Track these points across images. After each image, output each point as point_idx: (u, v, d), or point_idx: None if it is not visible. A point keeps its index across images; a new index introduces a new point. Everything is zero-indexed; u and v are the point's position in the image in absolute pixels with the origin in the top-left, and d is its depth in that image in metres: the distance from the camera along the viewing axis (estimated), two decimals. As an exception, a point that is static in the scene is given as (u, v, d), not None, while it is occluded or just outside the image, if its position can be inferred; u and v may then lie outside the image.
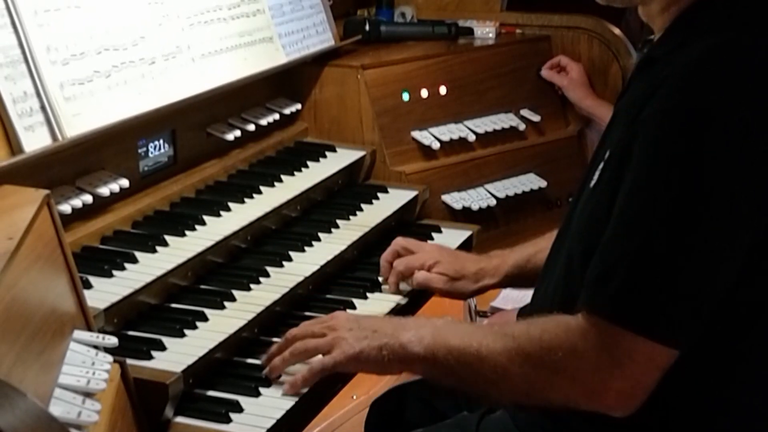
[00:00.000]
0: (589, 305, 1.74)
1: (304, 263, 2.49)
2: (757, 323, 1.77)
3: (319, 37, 3.21)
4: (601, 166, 1.83)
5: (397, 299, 2.47)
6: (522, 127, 3.44)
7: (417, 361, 1.92)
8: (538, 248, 2.37)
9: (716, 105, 1.67)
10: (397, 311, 2.44)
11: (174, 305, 2.25)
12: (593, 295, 1.74)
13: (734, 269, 1.70)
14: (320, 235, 2.64)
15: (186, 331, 2.12)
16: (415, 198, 2.99)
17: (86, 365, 1.73)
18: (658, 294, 1.69)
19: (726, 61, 1.69)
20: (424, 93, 3.27)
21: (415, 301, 2.52)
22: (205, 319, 2.18)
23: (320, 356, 2.02)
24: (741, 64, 1.69)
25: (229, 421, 1.95)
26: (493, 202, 3.22)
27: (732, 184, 1.67)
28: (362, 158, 3.07)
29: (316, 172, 2.92)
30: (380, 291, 2.49)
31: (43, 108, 2.19)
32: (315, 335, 2.04)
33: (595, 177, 1.84)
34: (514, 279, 2.43)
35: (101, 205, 2.37)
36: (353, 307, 2.39)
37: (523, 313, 2.15)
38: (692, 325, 1.71)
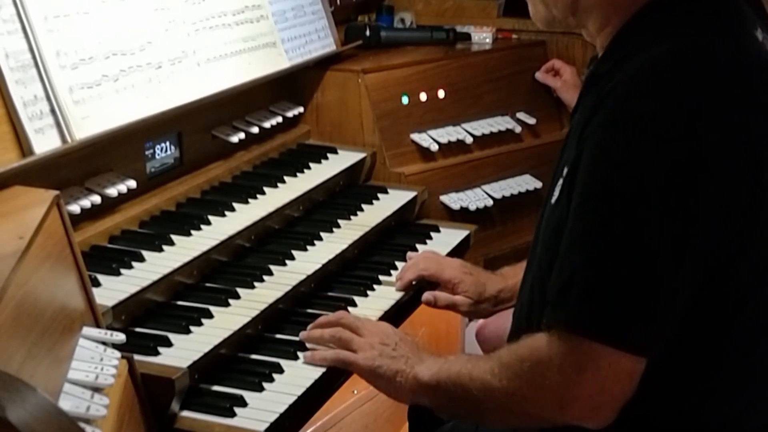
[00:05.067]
0: (551, 318, 1.77)
1: (307, 262, 2.51)
2: (732, 328, 1.77)
3: (321, 42, 3.23)
4: (560, 182, 1.86)
5: (398, 296, 2.50)
6: (518, 129, 3.46)
7: (423, 390, 1.98)
8: None
9: (654, 112, 1.69)
10: (398, 308, 2.48)
11: (180, 303, 2.27)
12: (554, 308, 1.76)
13: (694, 272, 1.70)
14: (322, 234, 2.66)
15: (192, 328, 2.14)
16: (414, 198, 3.02)
17: (95, 361, 1.74)
18: (613, 302, 1.69)
19: (662, 71, 1.72)
20: (423, 96, 3.30)
21: (414, 300, 2.55)
22: (210, 316, 2.20)
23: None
24: (676, 73, 1.72)
25: (233, 415, 1.98)
26: (489, 202, 3.24)
27: (678, 187, 1.68)
28: (363, 160, 3.10)
29: (318, 174, 2.94)
30: (380, 289, 2.52)
31: (52, 111, 2.20)
32: (357, 330, 2.14)
33: (556, 193, 1.87)
34: None
35: (109, 206, 2.38)
36: (354, 304, 2.42)
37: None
38: (653, 331, 1.71)
